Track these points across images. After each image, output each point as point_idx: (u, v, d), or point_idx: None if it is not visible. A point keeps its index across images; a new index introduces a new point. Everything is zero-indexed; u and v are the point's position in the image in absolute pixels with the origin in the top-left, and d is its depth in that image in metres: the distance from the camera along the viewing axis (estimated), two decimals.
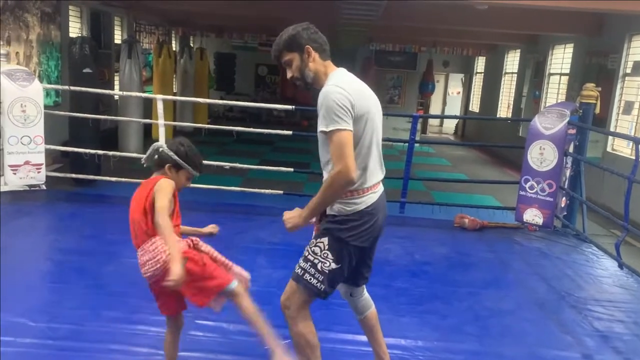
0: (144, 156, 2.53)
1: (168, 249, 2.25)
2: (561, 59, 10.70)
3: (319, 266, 2.36)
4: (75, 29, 9.13)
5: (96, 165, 6.44)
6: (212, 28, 13.87)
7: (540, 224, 5.64)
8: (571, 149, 5.68)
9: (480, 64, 16.62)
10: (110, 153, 6.33)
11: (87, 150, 6.10)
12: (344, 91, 2.23)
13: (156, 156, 2.49)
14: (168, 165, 2.45)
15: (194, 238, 2.51)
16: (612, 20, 8.49)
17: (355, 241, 2.35)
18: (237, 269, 2.55)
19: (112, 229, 5.04)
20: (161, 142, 2.53)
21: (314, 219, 2.46)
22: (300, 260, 2.42)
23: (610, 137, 8.12)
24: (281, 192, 6.13)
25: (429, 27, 11.04)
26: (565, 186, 5.73)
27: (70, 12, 8.93)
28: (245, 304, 2.46)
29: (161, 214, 2.27)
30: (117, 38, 11.04)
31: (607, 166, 5.65)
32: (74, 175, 6.30)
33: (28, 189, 5.81)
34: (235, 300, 2.46)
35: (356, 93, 2.27)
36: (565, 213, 5.90)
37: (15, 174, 5.62)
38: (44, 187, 5.86)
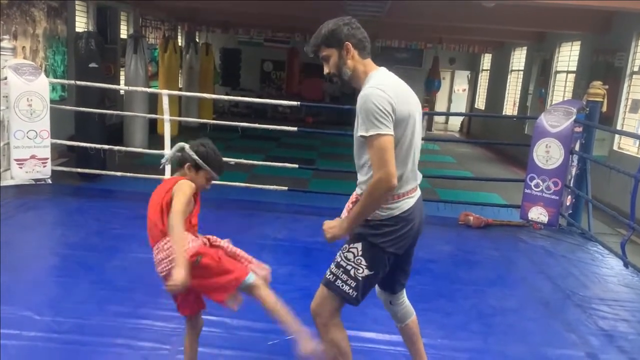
0: (166, 155, 2.51)
1: (175, 251, 2.21)
2: (568, 56, 10.65)
3: (351, 272, 2.28)
4: (81, 23, 9.15)
5: (102, 160, 6.47)
6: (218, 23, 13.87)
7: (546, 222, 5.62)
8: (577, 147, 5.65)
9: (486, 61, 16.56)
10: (116, 148, 6.35)
11: (93, 145, 6.12)
12: (385, 94, 2.13)
13: (178, 155, 2.45)
14: (188, 164, 2.41)
15: (210, 236, 2.48)
16: (620, 18, 8.43)
17: (390, 247, 2.27)
18: (257, 262, 2.51)
19: (117, 223, 5.06)
20: (184, 142, 2.48)
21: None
22: (332, 266, 2.34)
23: (616, 136, 8.08)
24: (286, 188, 6.13)
25: (435, 24, 11.01)
26: (571, 184, 5.71)
27: (77, 7, 8.95)
28: (264, 295, 2.40)
29: (175, 216, 2.23)
30: (123, 33, 11.06)
31: (613, 165, 5.62)
32: (79, 170, 6.32)
33: (34, 183, 5.83)
34: (254, 293, 2.40)
35: (398, 95, 2.18)
36: (570, 211, 5.88)
37: (21, 168, 5.65)
38: (49, 181, 5.88)
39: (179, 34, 14.63)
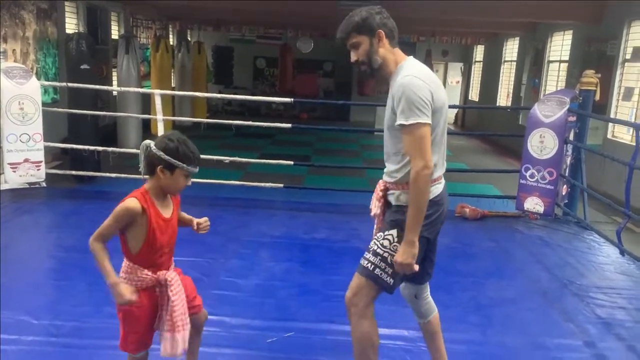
0: (140, 164, 2.19)
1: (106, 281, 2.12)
2: (560, 46, 10.65)
3: (389, 260, 2.26)
4: (71, 25, 9.09)
5: (96, 162, 6.44)
6: (210, 21, 13.82)
7: (541, 212, 5.63)
8: (571, 137, 5.66)
9: (479, 52, 16.56)
10: (110, 149, 6.33)
11: (87, 147, 6.09)
12: (424, 82, 2.16)
13: (144, 158, 2.13)
14: (159, 167, 2.08)
15: (172, 276, 2.22)
16: (611, 6, 8.43)
17: (424, 232, 2.25)
18: (175, 339, 2.21)
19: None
20: (148, 140, 2.15)
21: (378, 212, 2.38)
22: (369, 254, 2.32)
23: (610, 124, 8.09)
24: (281, 185, 6.13)
25: (427, 17, 10.99)
26: (566, 174, 5.72)
27: (67, 8, 8.89)
28: None
29: (91, 239, 2.15)
30: (114, 33, 11.00)
31: (608, 153, 5.63)
32: (73, 172, 6.29)
33: (28, 186, 5.81)
34: None
35: (434, 84, 2.22)
36: (566, 201, 5.90)
37: (15, 171, 5.62)
38: (44, 184, 5.86)
39: (171, 33, 14.57)
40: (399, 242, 2.24)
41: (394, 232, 2.27)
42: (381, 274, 2.28)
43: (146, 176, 2.17)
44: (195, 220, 2.38)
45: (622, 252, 4.80)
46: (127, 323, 2.23)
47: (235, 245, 4.53)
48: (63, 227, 5.09)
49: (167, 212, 2.21)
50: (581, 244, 5.22)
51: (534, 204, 5.64)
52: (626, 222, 4.76)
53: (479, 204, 6.04)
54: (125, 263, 2.22)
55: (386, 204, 2.40)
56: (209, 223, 2.39)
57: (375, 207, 2.43)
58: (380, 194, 2.41)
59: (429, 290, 2.58)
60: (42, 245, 4.62)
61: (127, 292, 2.10)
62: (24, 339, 2.95)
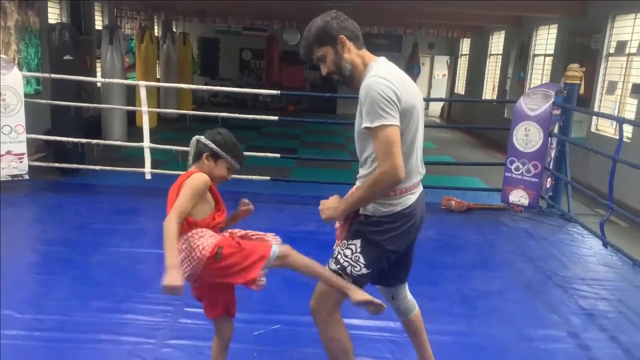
0: (189, 157, 2.32)
1: (168, 251, 2.06)
2: (545, 40, 10.72)
3: (348, 270, 2.22)
4: (54, 15, 8.96)
5: (80, 154, 6.36)
6: (195, 12, 13.69)
7: (526, 204, 5.69)
8: (556, 130, 5.71)
9: (465, 46, 16.61)
10: (94, 141, 6.25)
11: (70, 139, 6.02)
12: (389, 82, 2.04)
13: (193, 148, 2.31)
14: (205, 154, 2.28)
15: (228, 231, 2.37)
16: (595, 0, 8.50)
17: (390, 245, 2.20)
18: (271, 236, 2.37)
19: (98, 218, 5.00)
20: (198, 136, 2.35)
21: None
22: (331, 262, 2.28)
23: (594, 118, 8.17)
24: (268, 178, 6.11)
25: (413, 10, 10.99)
26: (551, 167, 5.78)
27: None
28: (295, 261, 2.27)
29: (171, 215, 2.10)
30: (98, 24, 10.85)
31: (592, 146, 5.70)
32: (57, 165, 6.22)
33: (11, 179, 5.72)
34: (285, 264, 2.26)
35: (401, 85, 2.09)
36: (550, 193, 5.96)
37: None
38: (27, 177, 5.78)
39: (156, 23, 14.41)
40: (361, 252, 2.20)
41: (357, 242, 2.22)
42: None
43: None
44: (240, 212, 2.58)
45: (605, 244, 4.86)
46: (243, 250, 2.22)
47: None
48: (47, 220, 5.03)
49: None
50: (565, 236, 5.28)
51: (519, 196, 5.69)
52: (609, 214, 4.82)
53: (464, 196, 6.08)
54: (192, 232, 2.19)
55: (355, 211, 2.30)
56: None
57: None
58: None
59: (406, 290, 2.54)
60: (26, 239, 4.56)
61: (180, 278, 2.01)
62: (7, 334, 2.91)
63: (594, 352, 3.17)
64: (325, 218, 2.24)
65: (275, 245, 2.26)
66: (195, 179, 2.20)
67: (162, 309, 3.27)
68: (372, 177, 2.09)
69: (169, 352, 2.86)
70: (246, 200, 2.55)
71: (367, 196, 2.13)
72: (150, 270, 3.90)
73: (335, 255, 2.29)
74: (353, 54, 2.20)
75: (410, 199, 2.21)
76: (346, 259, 2.23)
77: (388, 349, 3.06)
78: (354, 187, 2.32)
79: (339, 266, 2.24)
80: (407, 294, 2.54)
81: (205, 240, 2.17)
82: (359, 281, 2.24)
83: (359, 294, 2.20)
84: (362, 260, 2.21)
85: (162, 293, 1.97)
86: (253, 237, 2.36)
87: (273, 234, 2.38)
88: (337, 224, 2.37)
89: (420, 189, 2.30)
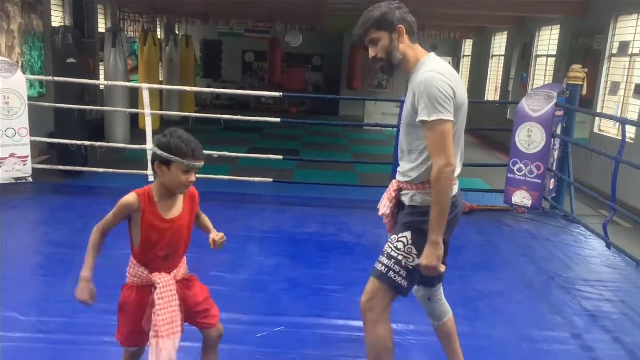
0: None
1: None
2: (548, 40, 10.70)
3: (403, 262, 2.21)
4: (57, 18, 8.98)
5: (83, 157, 6.38)
6: (198, 15, 13.71)
7: (529, 206, 5.68)
8: (559, 131, 5.71)
9: (467, 47, 16.60)
10: (97, 144, 6.28)
11: (74, 142, 6.04)
12: (446, 78, 2.11)
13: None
14: (156, 163, 2.04)
15: (188, 276, 2.28)
16: (598, 1, 8.49)
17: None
18: (171, 334, 2.15)
19: (100, 220, 5.01)
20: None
21: (387, 212, 2.32)
22: (382, 257, 2.27)
23: (597, 118, 8.16)
24: (271, 179, 6.12)
25: (416, 10, 10.99)
26: (553, 168, 5.77)
27: (52, 1, 8.78)
28: None
29: (95, 228, 2.16)
30: (101, 27, 10.88)
31: (595, 147, 5.69)
32: (60, 167, 6.24)
33: (14, 182, 5.75)
34: None
35: (456, 81, 2.16)
36: (553, 195, 5.95)
37: (0, 167, 5.55)
38: (30, 179, 5.79)
39: (158, 26, 14.45)
40: (413, 244, 2.20)
41: (408, 234, 2.22)
42: (395, 277, 2.23)
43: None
44: (212, 236, 2.34)
45: (609, 245, 4.86)
46: (121, 314, 2.24)
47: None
48: (50, 222, 5.04)
49: (169, 213, 2.13)
50: (568, 237, 5.27)
51: (521, 197, 5.68)
52: (612, 215, 4.81)
53: (467, 197, 6.03)
54: (130, 257, 2.22)
55: (399, 205, 2.33)
56: (225, 240, 2.34)
57: (384, 206, 2.36)
58: (393, 194, 2.34)
59: (442, 293, 2.52)
60: (29, 241, 4.58)
61: (86, 293, 2.11)
62: (11, 336, 2.93)
63: (597, 354, 3.17)
64: (436, 265, 2.16)
65: (127, 350, 2.28)
66: (121, 199, 2.11)
67: None
68: (433, 180, 2.11)
69: None
70: (219, 240, 2.34)
71: (439, 200, 2.11)
72: None
73: (387, 252, 2.27)
74: (407, 45, 2.25)
75: (455, 189, 2.24)
76: (400, 252, 2.23)
77: None
78: (394, 180, 2.34)
79: (392, 260, 2.23)
80: (442, 296, 2.53)
81: (127, 273, 2.24)
82: (413, 274, 2.24)
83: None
84: (414, 251, 2.21)
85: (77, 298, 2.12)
86: (162, 310, 2.13)
87: (177, 332, 2.18)
88: (385, 219, 2.38)
89: (458, 181, 2.33)
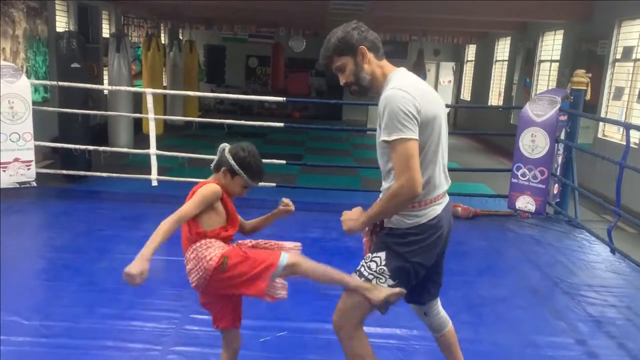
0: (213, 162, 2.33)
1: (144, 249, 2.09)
2: (551, 45, 10.70)
3: (374, 282, 2.18)
4: (62, 23, 9.03)
5: (87, 161, 6.40)
6: (201, 20, 13.77)
7: (533, 211, 5.66)
8: (562, 136, 5.70)
9: (470, 52, 16.61)
10: (101, 148, 6.30)
11: (77, 146, 6.05)
12: (409, 95, 2.02)
13: (218, 157, 2.30)
14: (224, 169, 2.26)
15: (237, 242, 2.36)
16: (602, 6, 8.48)
17: (415, 257, 2.15)
18: (289, 244, 2.38)
19: (104, 225, 5.02)
20: (226, 144, 2.34)
21: (365, 230, 2.30)
22: (354, 276, 2.24)
23: (601, 123, 8.14)
24: (274, 184, 6.12)
25: (419, 16, 11.01)
26: (557, 173, 5.75)
27: (57, 7, 8.83)
28: (307, 269, 2.24)
29: (172, 215, 2.13)
30: (105, 32, 10.93)
31: (598, 152, 5.67)
32: (64, 172, 6.25)
33: (18, 186, 5.76)
34: (296, 272, 2.24)
35: (422, 96, 2.06)
36: (557, 200, 5.93)
37: (4, 171, 5.57)
38: (34, 184, 5.81)
39: (162, 31, 14.50)
40: (387, 265, 2.16)
41: (382, 254, 2.18)
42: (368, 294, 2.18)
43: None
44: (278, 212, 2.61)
45: (613, 251, 4.83)
46: (245, 263, 2.20)
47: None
48: (54, 227, 5.05)
49: None
50: (572, 243, 5.26)
51: (525, 202, 5.67)
52: (617, 220, 4.79)
53: (471, 202, 6.07)
54: (197, 243, 2.20)
55: (378, 224, 2.28)
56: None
57: None
58: None
59: (439, 305, 2.49)
60: (33, 246, 4.58)
61: (138, 267, 2.02)
62: (14, 340, 2.93)
63: None
64: (346, 229, 2.21)
65: (285, 254, 2.23)
66: (205, 188, 2.21)
67: (168, 315, 3.28)
68: (390, 191, 2.06)
69: (175, 359, 2.86)
70: (287, 200, 2.56)
71: (386, 210, 2.12)
72: (155, 277, 3.89)
73: (359, 269, 2.25)
74: (373, 64, 2.18)
75: (436, 209, 2.17)
76: (371, 272, 2.19)
77: (395, 356, 3.05)
78: (378, 199, 2.29)
79: (363, 279, 2.21)
80: (439, 309, 2.49)
81: (213, 250, 2.18)
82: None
83: (379, 292, 2.16)
84: (387, 272, 2.17)
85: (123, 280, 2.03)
86: (266, 245, 2.35)
87: (295, 243, 2.38)
88: (365, 239, 2.35)
89: (446, 199, 2.25)
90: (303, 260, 2.25)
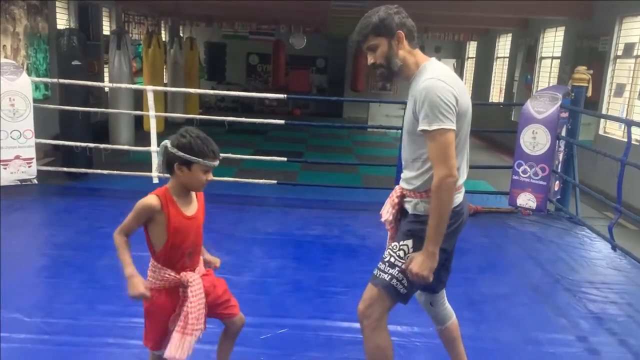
0: (156, 163, 2.31)
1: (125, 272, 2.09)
2: (552, 42, 10.68)
3: (405, 271, 2.17)
4: (62, 20, 9.02)
5: (88, 159, 6.40)
6: (202, 17, 13.75)
7: (534, 208, 5.66)
8: (563, 133, 5.69)
9: (471, 48, 16.58)
10: (102, 146, 6.29)
11: (78, 144, 6.06)
12: (449, 86, 2.04)
13: (163, 157, 2.13)
14: (176, 164, 2.08)
15: (205, 270, 2.30)
16: (603, 2, 8.46)
17: (443, 243, 2.15)
18: (197, 324, 2.19)
19: (105, 222, 5.01)
20: (166, 141, 2.13)
21: (390, 219, 2.30)
22: (384, 265, 2.22)
23: (602, 120, 8.13)
24: (275, 181, 6.12)
25: (420, 13, 10.98)
26: (558, 170, 5.75)
27: (58, 4, 8.82)
28: None
29: (116, 230, 2.12)
30: (106, 29, 10.93)
31: (600, 149, 5.66)
32: (65, 169, 6.25)
33: (19, 183, 5.77)
34: None
35: (459, 88, 2.10)
36: (558, 196, 5.92)
37: (5, 169, 5.58)
38: (35, 181, 5.82)
39: (163, 28, 14.48)
40: (414, 252, 2.16)
41: (410, 242, 2.19)
42: (398, 285, 2.19)
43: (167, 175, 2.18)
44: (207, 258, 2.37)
45: (614, 247, 4.83)
46: (148, 319, 2.24)
47: (228, 242, 4.52)
48: (55, 224, 5.06)
49: (189, 210, 2.17)
50: (573, 240, 5.25)
51: (526, 199, 5.66)
52: (618, 217, 4.79)
53: (471, 199, 6.00)
54: (151, 262, 2.20)
55: (401, 212, 2.31)
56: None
57: (387, 212, 2.33)
58: (396, 200, 2.31)
59: (445, 297, 2.50)
60: (34, 243, 4.59)
61: (140, 285, 2.05)
62: (15, 337, 2.93)
63: (602, 356, 3.15)
64: (427, 275, 2.12)
65: (168, 349, 2.16)
66: (140, 201, 2.10)
67: None
68: (434, 190, 2.06)
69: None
70: (213, 262, 2.37)
71: (439, 211, 2.08)
72: None
73: (387, 259, 2.24)
74: (407, 51, 2.18)
75: (459, 197, 2.23)
76: (401, 260, 2.19)
77: (396, 353, 3.02)
78: (397, 187, 2.32)
79: (397, 269, 2.19)
80: (445, 300, 2.50)
81: (148, 280, 2.17)
82: (414, 282, 2.20)
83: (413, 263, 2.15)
84: None
85: (132, 300, 2.09)
86: (184, 321, 2.16)
87: (201, 328, 2.23)
88: (388, 225, 2.35)
89: (464, 188, 2.30)
90: None
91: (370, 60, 2.22)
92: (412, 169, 2.21)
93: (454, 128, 2.06)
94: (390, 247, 2.27)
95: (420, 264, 2.11)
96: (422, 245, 2.15)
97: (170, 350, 2.15)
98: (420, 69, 2.17)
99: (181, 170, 2.09)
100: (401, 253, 2.20)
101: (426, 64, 2.18)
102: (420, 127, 2.07)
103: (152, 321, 2.22)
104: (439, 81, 2.05)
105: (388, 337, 2.27)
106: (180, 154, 2.06)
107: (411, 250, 2.18)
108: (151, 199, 2.10)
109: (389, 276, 2.20)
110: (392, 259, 2.22)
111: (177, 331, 2.15)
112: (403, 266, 2.18)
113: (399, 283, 2.19)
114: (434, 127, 2.03)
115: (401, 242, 2.22)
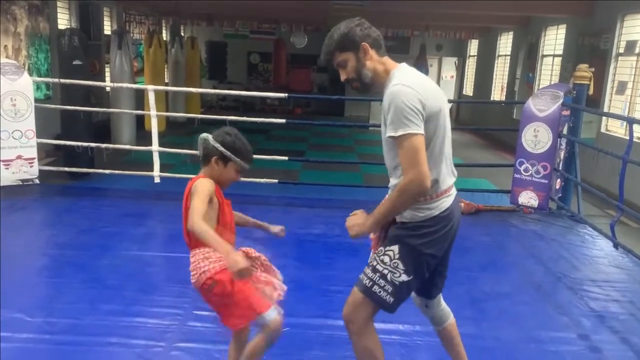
0: (200, 156, 2.30)
1: (220, 254, 2.10)
2: (554, 40, 10.66)
3: (388, 277, 2.16)
4: (63, 20, 9.02)
5: (89, 158, 6.41)
6: (203, 16, 13.75)
7: (536, 206, 5.65)
8: (565, 131, 5.68)
9: (473, 47, 16.56)
10: (103, 145, 6.30)
11: (80, 143, 6.06)
12: (413, 90, 2.03)
13: (202, 149, 2.27)
14: (215, 158, 2.23)
15: (246, 248, 2.36)
16: (604, 0, 8.45)
17: (429, 249, 2.16)
18: (277, 283, 2.37)
19: (107, 221, 5.02)
20: (206, 134, 2.29)
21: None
22: (367, 270, 2.22)
23: (604, 118, 8.12)
24: (276, 180, 6.12)
25: (421, 11, 10.98)
26: (560, 168, 5.74)
27: (59, 4, 8.83)
28: (262, 341, 2.27)
29: (194, 220, 2.06)
30: (107, 29, 10.93)
31: (601, 147, 5.66)
32: (67, 169, 6.26)
33: (21, 183, 5.77)
34: (261, 331, 2.27)
35: (426, 91, 2.07)
36: (560, 195, 5.92)
37: (7, 168, 5.58)
38: (37, 181, 5.82)
39: (164, 28, 14.49)
40: (400, 259, 2.16)
41: (396, 248, 2.17)
42: (380, 291, 2.17)
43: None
44: (272, 229, 2.69)
45: (616, 245, 4.82)
46: (237, 296, 2.21)
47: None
48: (56, 224, 5.06)
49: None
50: (575, 238, 5.25)
51: (528, 198, 5.66)
52: (619, 215, 4.78)
53: (473, 198, 6.06)
54: (199, 250, 2.22)
55: (391, 220, 2.27)
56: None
57: None
58: None
59: (441, 298, 2.49)
60: (36, 243, 4.59)
61: (241, 260, 2.00)
62: (17, 337, 2.94)
63: (604, 355, 3.15)
64: (353, 235, 2.20)
65: (272, 312, 2.22)
66: (201, 186, 2.17)
67: (171, 312, 3.29)
68: (399, 187, 2.07)
69: (178, 355, 2.87)
70: (284, 230, 2.61)
71: (395, 206, 2.12)
72: (159, 274, 3.92)
73: (372, 264, 2.22)
74: (375, 61, 2.18)
75: (447, 201, 2.21)
76: (385, 266, 2.18)
77: (397, 352, 3.05)
78: (387, 196, 2.29)
79: (377, 274, 2.19)
80: (441, 301, 2.50)
81: (208, 264, 2.20)
82: (400, 290, 2.18)
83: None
84: (401, 266, 2.16)
85: (236, 279, 2.07)
86: (265, 263, 2.36)
87: (280, 279, 2.38)
88: (372, 235, 2.34)
89: (454, 192, 2.28)
90: (273, 332, 2.25)
91: (343, 76, 2.24)
92: (395, 176, 2.20)
93: (422, 132, 2.03)
94: (376, 251, 2.26)
95: (354, 222, 2.20)
96: (407, 252, 2.16)
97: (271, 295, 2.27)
98: (390, 76, 2.17)
99: (217, 164, 2.24)
100: (385, 258, 2.19)
101: (394, 71, 2.18)
102: (388, 134, 2.07)
103: (243, 293, 2.20)
104: (404, 86, 2.05)
105: (376, 340, 2.27)
106: (222, 149, 2.22)
107: (397, 255, 2.17)
108: (210, 182, 2.20)
109: (370, 281, 2.19)
110: (376, 264, 2.21)
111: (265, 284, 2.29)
112: (385, 272, 2.17)
113: (381, 289, 2.17)
114: (400, 132, 2.02)
115: (387, 248, 2.21)
